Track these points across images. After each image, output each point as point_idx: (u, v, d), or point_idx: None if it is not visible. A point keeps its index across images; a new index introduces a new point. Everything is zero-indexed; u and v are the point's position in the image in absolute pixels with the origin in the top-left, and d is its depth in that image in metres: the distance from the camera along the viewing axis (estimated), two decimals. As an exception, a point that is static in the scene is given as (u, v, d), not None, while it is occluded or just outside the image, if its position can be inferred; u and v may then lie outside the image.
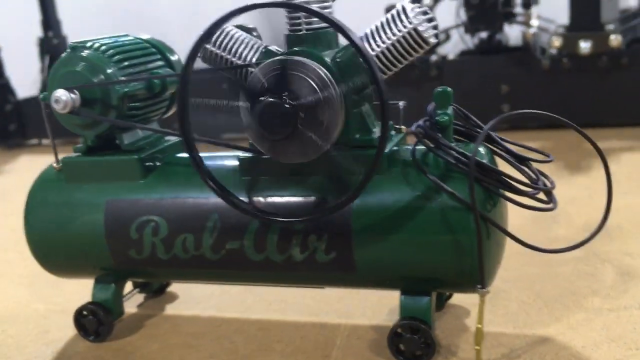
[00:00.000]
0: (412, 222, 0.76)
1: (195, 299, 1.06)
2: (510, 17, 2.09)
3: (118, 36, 0.93)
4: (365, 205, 0.77)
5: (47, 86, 0.89)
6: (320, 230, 0.79)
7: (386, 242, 0.77)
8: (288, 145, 0.73)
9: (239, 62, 0.83)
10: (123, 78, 0.86)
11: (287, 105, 0.71)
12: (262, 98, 0.72)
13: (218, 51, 0.84)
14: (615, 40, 1.85)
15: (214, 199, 0.83)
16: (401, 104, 0.85)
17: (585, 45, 1.86)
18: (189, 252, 0.85)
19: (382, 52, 0.77)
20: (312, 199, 0.79)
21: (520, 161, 0.81)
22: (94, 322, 0.94)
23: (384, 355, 0.83)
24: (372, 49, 0.77)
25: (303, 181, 0.80)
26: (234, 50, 0.84)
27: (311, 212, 0.75)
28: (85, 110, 0.85)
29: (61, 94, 0.84)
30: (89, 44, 0.87)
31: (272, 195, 0.81)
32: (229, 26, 0.86)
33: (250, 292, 1.06)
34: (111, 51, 0.87)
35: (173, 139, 0.97)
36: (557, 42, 1.89)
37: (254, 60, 0.83)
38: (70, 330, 0.99)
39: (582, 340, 0.83)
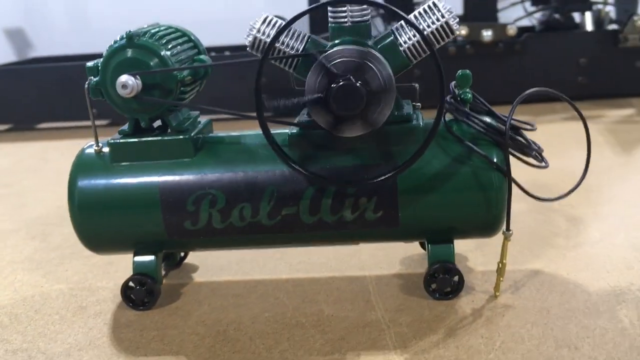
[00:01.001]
0: (448, 183, 0.93)
1: (217, 267, 1.15)
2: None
3: (155, 25, 1.00)
4: (408, 170, 0.92)
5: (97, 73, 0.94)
6: (370, 193, 0.93)
7: (426, 200, 0.93)
8: (358, 119, 0.86)
9: (288, 50, 0.94)
10: (177, 65, 0.94)
11: (358, 84, 0.85)
12: (334, 85, 0.85)
13: (267, 40, 0.94)
14: (511, 29, 2.15)
15: (271, 172, 0.94)
16: (417, 86, 1.02)
17: (487, 34, 2.14)
18: (245, 219, 0.95)
19: (418, 42, 0.93)
20: (369, 165, 0.93)
21: (515, 130, 1.01)
22: (142, 291, 1.01)
23: (416, 294, 1.00)
24: (409, 39, 0.93)
25: (354, 151, 0.94)
26: (281, 40, 0.95)
27: (381, 174, 0.89)
28: (146, 95, 0.92)
29: (126, 79, 0.90)
30: (142, 33, 0.94)
31: (332, 165, 0.94)
32: (270, 15, 0.96)
33: (269, 257, 1.17)
34: (164, 40, 0.94)
35: (205, 119, 1.05)
36: (463, 31, 2.15)
37: (300, 49, 0.95)
38: (109, 304, 1.05)
39: (564, 269, 1.05)
